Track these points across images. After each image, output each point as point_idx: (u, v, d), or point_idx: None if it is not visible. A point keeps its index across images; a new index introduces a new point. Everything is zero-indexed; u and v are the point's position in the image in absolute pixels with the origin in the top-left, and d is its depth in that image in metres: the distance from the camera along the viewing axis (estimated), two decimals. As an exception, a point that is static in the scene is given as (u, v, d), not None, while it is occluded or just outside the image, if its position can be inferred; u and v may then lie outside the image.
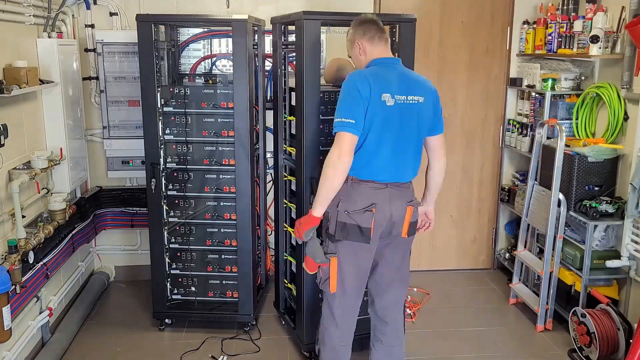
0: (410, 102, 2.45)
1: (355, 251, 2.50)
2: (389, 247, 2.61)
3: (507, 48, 4.32)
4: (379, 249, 2.59)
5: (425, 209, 2.80)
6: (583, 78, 3.81)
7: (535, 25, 4.05)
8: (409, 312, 3.77)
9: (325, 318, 2.66)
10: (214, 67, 4.00)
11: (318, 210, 2.43)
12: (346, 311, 2.62)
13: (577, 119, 3.71)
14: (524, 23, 4.18)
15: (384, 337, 2.74)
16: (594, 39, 3.34)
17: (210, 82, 3.61)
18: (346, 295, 2.58)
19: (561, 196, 3.49)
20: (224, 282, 3.55)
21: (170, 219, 3.47)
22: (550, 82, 3.80)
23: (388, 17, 3.61)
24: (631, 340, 2.86)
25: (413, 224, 2.59)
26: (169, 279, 3.54)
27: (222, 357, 3.28)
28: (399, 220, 2.51)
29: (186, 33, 3.92)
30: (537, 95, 3.97)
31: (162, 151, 3.37)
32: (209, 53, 3.98)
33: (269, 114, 3.69)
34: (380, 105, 2.38)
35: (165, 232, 3.46)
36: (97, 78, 3.94)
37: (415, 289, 4.11)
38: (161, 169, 3.37)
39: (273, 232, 3.94)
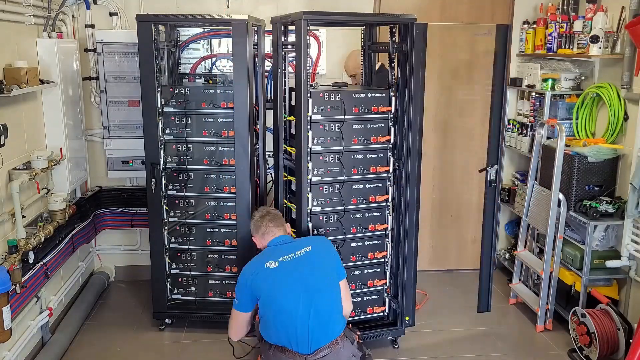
0: (299, 255, 2.66)
1: None
2: None
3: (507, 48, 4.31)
4: None
5: None
6: (583, 78, 3.81)
7: (535, 25, 4.05)
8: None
9: None
10: (214, 67, 3.99)
11: None
12: None
13: (577, 119, 3.71)
14: (524, 23, 4.18)
15: None
16: (594, 39, 3.34)
17: (210, 82, 3.61)
18: None
19: (561, 196, 3.49)
20: (224, 282, 3.54)
21: (170, 219, 3.47)
22: (550, 82, 3.80)
23: (388, 17, 3.63)
24: (631, 340, 2.86)
25: None
26: (169, 279, 3.54)
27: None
28: None
29: (186, 33, 3.92)
30: (537, 95, 3.97)
31: (162, 151, 3.37)
32: (209, 53, 3.98)
33: (269, 114, 3.69)
34: (264, 275, 2.59)
35: (165, 232, 3.46)
36: (97, 78, 3.94)
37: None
38: (161, 169, 3.37)
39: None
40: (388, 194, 3.25)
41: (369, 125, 3.13)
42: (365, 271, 3.30)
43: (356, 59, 3.68)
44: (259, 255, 2.75)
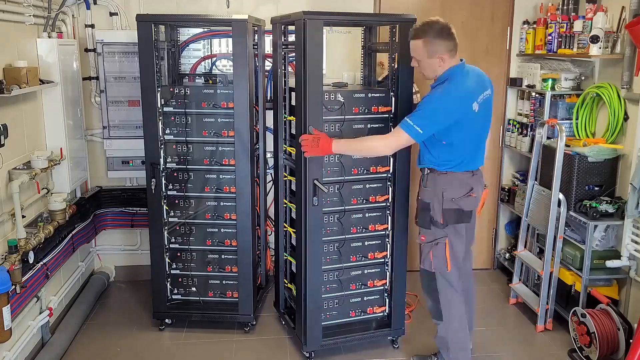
0: (486, 97, 2.81)
1: (460, 231, 2.90)
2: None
3: (507, 48, 4.32)
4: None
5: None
6: (583, 78, 3.81)
7: (535, 25, 4.05)
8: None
9: (446, 292, 2.97)
10: (214, 67, 4.00)
11: (339, 150, 2.90)
12: (459, 276, 2.98)
13: (577, 119, 3.71)
14: (524, 23, 4.18)
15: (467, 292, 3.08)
16: (594, 39, 3.34)
17: (210, 82, 3.61)
18: (458, 266, 2.95)
19: (561, 196, 3.49)
20: (224, 282, 3.55)
21: (170, 219, 3.47)
22: (550, 82, 3.80)
23: (388, 17, 3.63)
24: (631, 340, 2.87)
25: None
26: (169, 279, 3.54)
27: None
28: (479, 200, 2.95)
29: (186, 33, 3.92)
30: (537, 95, 3.97)
31: (162, 151, 3.37)
32: (209, 53, 3.98)
33: (269, 114, 3.68)
34: (469, 115, 2.71)
35: (165, 232, 3.46)
36: (97, 78, 3.94)
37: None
38: (161, 169, 3.37)
39: (273, 232, 3.94)
40: (388, 194, 3.25)
41: (369, 125, 3.13)
42: (366, 271, 3.30)
43: None
44: (462, 85, 2.72)
